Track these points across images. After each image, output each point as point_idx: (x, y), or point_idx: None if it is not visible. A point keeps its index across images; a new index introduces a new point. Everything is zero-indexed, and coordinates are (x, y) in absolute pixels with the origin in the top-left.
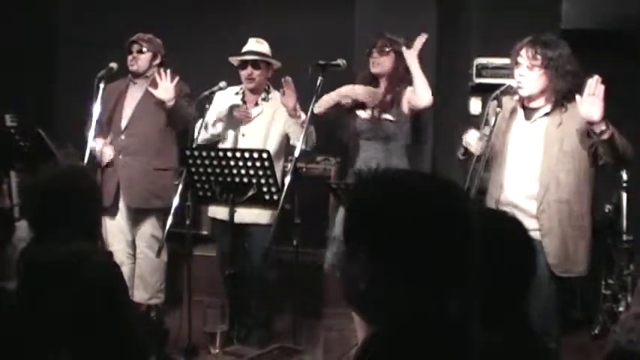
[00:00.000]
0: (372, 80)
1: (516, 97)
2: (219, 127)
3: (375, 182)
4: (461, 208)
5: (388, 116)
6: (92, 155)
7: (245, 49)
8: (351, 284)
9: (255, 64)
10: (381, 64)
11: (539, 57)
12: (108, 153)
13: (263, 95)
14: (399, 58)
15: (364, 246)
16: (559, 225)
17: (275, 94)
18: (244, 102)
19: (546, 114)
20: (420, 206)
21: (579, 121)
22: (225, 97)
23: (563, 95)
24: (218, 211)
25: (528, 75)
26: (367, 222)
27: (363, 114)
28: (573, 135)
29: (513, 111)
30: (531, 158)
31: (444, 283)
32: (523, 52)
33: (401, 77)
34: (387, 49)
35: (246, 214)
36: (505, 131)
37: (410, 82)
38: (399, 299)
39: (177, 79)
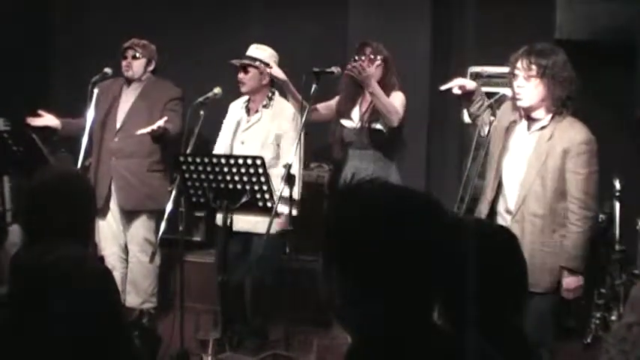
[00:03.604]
0: (357, 87)
1: (519, 109)
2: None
3: (349, 199)
4: (436, 225)
5: (378, 125)
6: (85, 159)
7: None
8: (329, 298)
9: (244, 69)
10: (369, 72)
11: (534, 67)
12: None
13: (265, 102)
14: (387, 66)
15: (338, 262)
16: (530, 238)
17: (277, 100)
18: (248, 110)
19: (542, 127)
20: (391, 225)
21: (567, 141)
22: (235, 108)
23: (562, 102)
24: (218, 217)
25: (526, 86)
26: (338, 240)
27: (350, 123)
28: (558, 153)
29: (512, 124)
30: (523, 169)
31: (421, 298)
32: (519, 63)
33: (387, 85)
34: (375, 57)
35: (246, 223)
36: (504, 140)
37: (393, 88)
38: (374, 314)
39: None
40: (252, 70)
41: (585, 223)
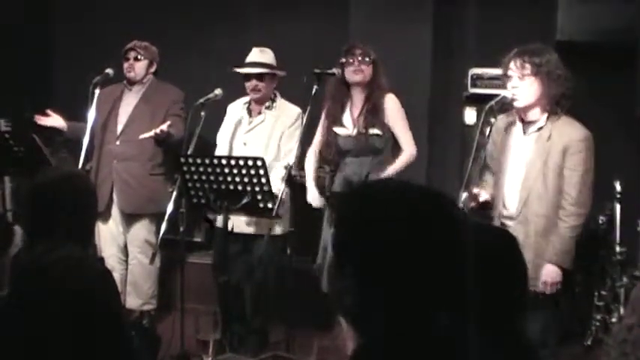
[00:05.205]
0: (344, 91)
1: (514, 111)
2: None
3: (361, 197)
4: (449, 221)
5: (376, 130)
6: (86, 162)
7: (248, 59)
8: (339, 296)
9: (259, 76)
10: (364, 72)
11: (527, 65)
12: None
13: (267, 104)
14: (376, 67)
15: (350, 260)
16: (534, 238)
17: (280, 102)
18: (250, 112)
19: (539, 128)
20: (406, 222)
21: (567, 139)
22: (234, 109)
23: (557, 100)
24: (218, 218)
25: (521, 85)
26: (352, 237)
27: (344, 131)
28: (558, 152)
29: (509, 126)
30: (522, 172)
31: (431, 298)
32: (512, 64)
33: (379, 86)
34: (368, 59)
35: (246, 225)
36: (503, 146)
37: (385, 90)
38: (384, 314)
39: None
40: (266, 77)
41: (575, 220)
